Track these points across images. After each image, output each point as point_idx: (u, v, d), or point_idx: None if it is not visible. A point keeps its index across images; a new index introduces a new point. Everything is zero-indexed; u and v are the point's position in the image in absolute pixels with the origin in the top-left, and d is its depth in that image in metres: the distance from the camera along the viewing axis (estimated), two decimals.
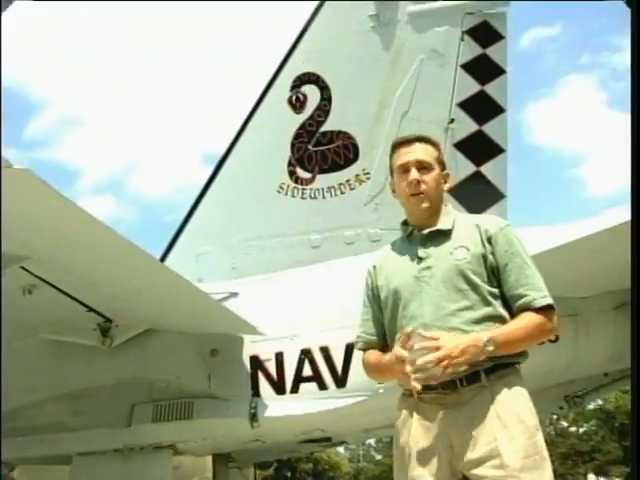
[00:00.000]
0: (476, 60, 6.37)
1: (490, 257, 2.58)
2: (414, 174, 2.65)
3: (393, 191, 2.82)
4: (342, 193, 6.12)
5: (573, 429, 33.65)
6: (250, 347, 5.13)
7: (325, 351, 4.98)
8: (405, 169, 2.67)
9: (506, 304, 2.57)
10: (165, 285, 4.61)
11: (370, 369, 2.73)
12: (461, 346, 2.38)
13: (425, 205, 2.66)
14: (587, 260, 4.48)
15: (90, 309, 4.83)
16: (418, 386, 2.39)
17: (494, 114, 6.30)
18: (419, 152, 2.69)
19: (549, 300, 2.53)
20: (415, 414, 2.54)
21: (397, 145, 2.76)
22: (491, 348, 2.40)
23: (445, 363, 2.37)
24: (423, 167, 2.67)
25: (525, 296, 2.52)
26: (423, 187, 2.65)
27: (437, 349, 2.38)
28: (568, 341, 4.96)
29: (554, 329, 2.57)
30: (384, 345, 2.70)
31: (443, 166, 2.77)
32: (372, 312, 2.76)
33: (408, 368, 2.40)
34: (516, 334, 2.46)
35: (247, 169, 6.34)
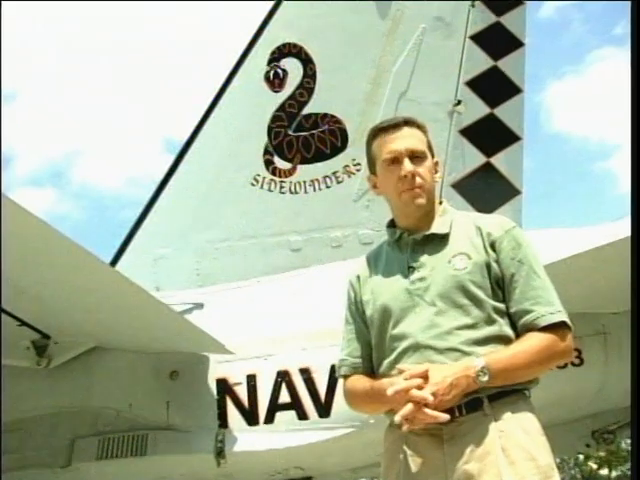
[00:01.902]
0: (489, 30, 6.43)
1: (494, 266, 2.59)
2: (408, 166, 2.64)
3: (374, 187, 2.82)
4: (328, 187, 6.13)
5: (604, 472, 33.57)
6: (217, 368, 5.12)
7: (306, 373, 4.99)
8: (395, 160, 2.67)
9: (514, 323, 2.58)
10: (115, 294, 4.58)
11: (355, 397, 2.72)
12: (449, 378, 2.38)
13: (421, 201, 2.67)
14: (618, 269, 4.50)
15: (22, 323, 4.79)
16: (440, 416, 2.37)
17: (509, 95, 6.36)
18: (410, 138, 2.68)
19: (561, 317, 2.52)
20: (405, 448, 2.54)
21: (380, 130, 2.73)
22: (484, 379, 2.39)
23: (435, 403, 2.35)
24: (416, 156, 2.67)
25: (530, 312, 2.52)
26: (419, 180, 2.65)
27: (420, 388, 2.37)
28: (596, 364, 4.99)
29: (566, 352, 2.55)
30: (371, 368, 2.70)
31: (432, 153, 2.78)
32: (357, 330, 2.76)
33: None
34: (517, 361, 2.45)
35: (215, 158, 6.35)
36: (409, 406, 2.35)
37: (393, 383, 2.43)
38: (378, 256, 2.81)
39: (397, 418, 2.38)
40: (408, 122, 2.73)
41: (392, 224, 2.81)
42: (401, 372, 2.45)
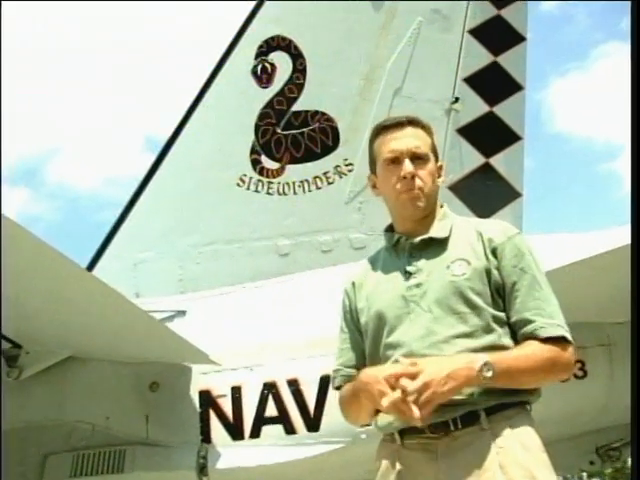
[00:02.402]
0: (488, 24, 6.46)
1: (495, 273, 2.59)
2: (408, 166, 2.65)
3: (373, 187, 2.84)
4: (318, 188, 6.15)
5: None
6: (200, 380, 5.11)
7: (294, 385, 4.98)
8: (395, 160, 2.68)
9: (514, 334, 2.58)
10: (92, 300, 4.55)
11: (347, 405, 2.72)
12: (447, 369, 2.34)
13: (420, 204, 2.67)
14: (623, 277, 4.51)
15: None
16: (417, 412, 2.29)
17: (509, 92, 6.40)
18: (413, 139, 2.70)
19: (561, 331, 2.52)
20: (398, 464, 2.53)
21: (382, 129, 2.76)
22: (489, 374, 2.36)
23: (428, 394, 2.30)
24: (418, 158, 2.68)
25: (530, 322, 2.53)
26: (419, 183, 2.66)
27: (415, 377, 2.33)
28: (600, 377, 5.01)
29: (567, 366, 2.56)
30: None
31: (437, 156, 2.79)
32: (351, 339, 2.77)
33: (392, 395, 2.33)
34: (520, 364, 2.45)
35: (199, 157, 6.34)
36: (397, 392, 2.31)
37: (375, 374, 2.42)
38: (375, 262, 2.82)
39: (385, 402, 2.32)
40: (412, 122, 2.75)
41: (391, 229, 2.82)
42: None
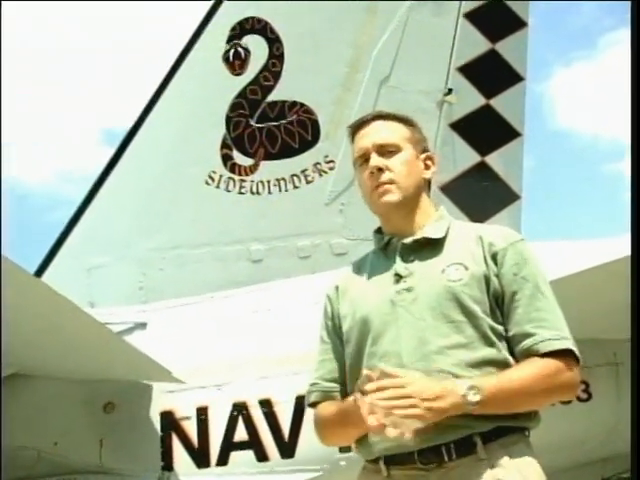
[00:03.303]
0: (486, 7, 6.49)
1: (494, 281, 2.59)
2: (373, 160, 2.68)
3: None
4: (295, 187, 6.15)
5: None
6: (162, 400, 5.10)
7: (267, 406, 4.98)
8: (365, 157, 2.72)
9: (512, 348, 2.57)
10: (40, 310, 4.51)
11: (325, 426, 2.70)
12: (437, 389, 2.32)
13: (391, 198, 2.67)
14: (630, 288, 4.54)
15: None
16: (394, 433, 2.26)
17: (508, 84, 6.43)
18: (381, 132, 2.73)
19: (566, 344, 2.52)
20: None
21: (354, 129, 2.81)
22: (475, 399, 2.34)
23: (414, 408, 2.26)
24: (388, 151, 2.71)
25: (531, 335, 2.52)
26: (387, 175, 2.67)
27: (402, 387, 2.30)
28: (607, 400, 5.04)
29: (571, 385, 2.55)
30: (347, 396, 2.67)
31: (422, 147, 2.81)
32: (333, 350, 2.75)
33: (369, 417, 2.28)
34: (513, 386, 2.42)
35: (163, 151, 6.34)
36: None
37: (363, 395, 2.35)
38: (362, 265, 2.81)
39: (372, 420, 2.27)
40: (380, 116, 2.79)
41: (380, 230, 2.82)
42: (370, 378, 2.37)
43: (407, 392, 2.28)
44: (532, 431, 2.58)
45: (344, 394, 2.68)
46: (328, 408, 2.68)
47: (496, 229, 2.77)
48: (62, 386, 5.21)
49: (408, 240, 2.68)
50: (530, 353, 2.50)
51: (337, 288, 2.81)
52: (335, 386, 2.71)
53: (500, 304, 2.58)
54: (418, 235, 2.68)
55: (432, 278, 2.59)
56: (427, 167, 2.79)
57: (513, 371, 2.47)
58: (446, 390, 2.33)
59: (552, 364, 2.48)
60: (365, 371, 2.42)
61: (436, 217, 2.76)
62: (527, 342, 2.51)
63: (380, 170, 2.65)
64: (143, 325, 5.45)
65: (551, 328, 2.53)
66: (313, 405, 2.75)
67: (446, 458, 2.42)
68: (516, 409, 2.47)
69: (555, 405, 2.61)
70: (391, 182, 2.66)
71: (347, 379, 2.68)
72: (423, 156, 2.78)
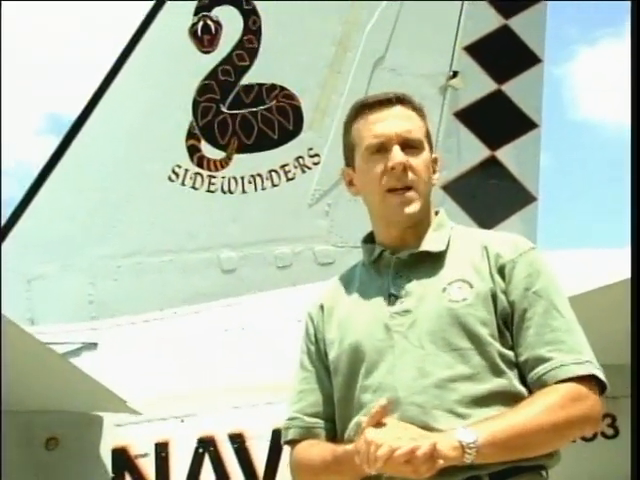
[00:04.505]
0: None
1: (502, 298, 2.59)
2: (398, 154, 2.64)
3: (350, 184, 2.83)
4: (274, 186, 6.15)
5: None
6: (114, 434, 5.06)
7: (238, 441, 4.96)
8: (382, 147, 2.67)
9: (524, 376, 2.57)
10: None
11: (308, 471, 2.68)
12: (433, 439, 2.31)
13: (414, 208, 2.66)
14: None
15: None
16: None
17: (523, 66, 6.45)
18: (405, 121, 2.70)
19: (589, 368, 2.51)
20: None
21: (364, 108, 2.76)
22: (471, 456, 2.33)
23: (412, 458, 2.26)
24: (410, 146, 2.68)
25: (546, 360, 2.52)
26: (412, 177, 2.65)
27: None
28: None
29: (593, 417, 2.53)
30: (333, 434, 2.68)
31: (431, 146, 2.79)
32: (316, 380, 2.75)
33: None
34: (521, 431, 2.40)
35: (117, 142, 6.30)
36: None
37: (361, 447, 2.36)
38: (350, 281, 2.80)
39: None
40: (403, 100, 2.74)
41: (371, 239, 2.80)
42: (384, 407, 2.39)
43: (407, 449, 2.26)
44: (550, 470, 2.57)
45: (329, 431, 2.69)
46: (310, 449, 2.67)
47: (504, 237, 2.77)
48: None
49: (404, 255, 2.67)
50: (545, 381, 2.50)
51: (322, 307, 2.80)
52: (318, 422, 2.71)
53: (509, 325, 2.58)
54: (416, 249, 2.68)
55: (432, 298, 2.59)
56: (434, 171, 2.78)
57: (523, 409, 2.45)
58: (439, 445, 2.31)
59: (570, 391, 2.47)
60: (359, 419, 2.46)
61: (435, 225, 2.76)
62: (541, 368, 2.51)
63: (405, 169, 2.63)
64: (93, 346, 5.42)
65: (570, 351, 2.52)
66: (291, 443, 2.74)
67: None
68: (525, 456, 2.46)
69: (576, 441, 2.59)
70: (415, 187, 2.65)
71: (336, 413, 2.67)
72: (433, 157, 2.77)
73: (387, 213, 2.70)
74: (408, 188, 2.64)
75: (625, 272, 4.20)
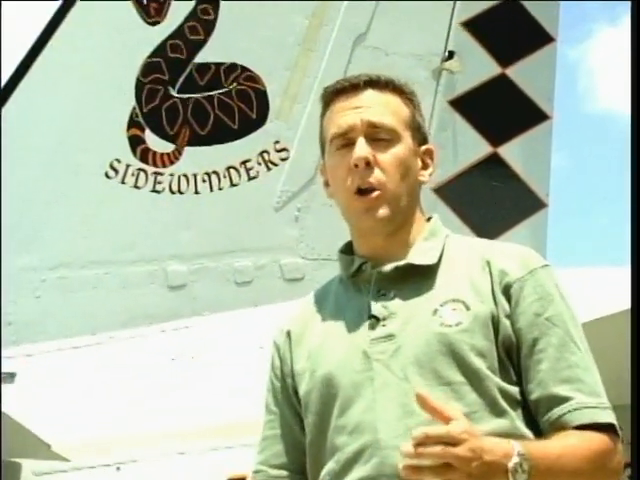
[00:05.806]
0: None
1: (506, 324, 2.57)
2: (361, 148, 2.61)
3: (327, 184, 2.79)
4: (233, 185, 6.16)
5: None
6: None
7: None
8: (346, 140, 2.66)
9: (531, 416, 2.56)
10: None
11: None
12: (488, 446, 2.29)
13: (382, 213, 2.62)
14: None
15: None
16: None
17: (533, 46, 6.48)
18: (375, 107, 2.68)
19: (611, 415, 2.51)
20: None
21: (332, 94, 2.74)
22: (523, 477, 2.33)
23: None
24: (380, 138, 2.65)
25: (567, 400, 2.50)
26: (377, 175, 2.61)
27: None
28: None
29: (617, 468, 2.54)
30: None
31: (422, 136, 2.74)
32: (281, 422, 2.74)
33: None
34: (565, 462, 2.42)
35: (43, 130, 6.28)
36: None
37: None
38: (323, 300, 2.78)
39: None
40: (378, 82, 2.71)
41: (349, 249, 2.76)
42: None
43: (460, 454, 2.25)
44: None
45: None
46: None
47: (511, 250, 2.74)
48: None
49: (387, 268, 2.63)
50: (566, 423, 2.48)
51: (288, 334, 2.77)
52: (284, 474, 2.70)
53: (513, 356, 2.58)
54: (402, 261, 2.64)
55: (420, 322, 2.56)
56: (425, 166, 2.73)
57: (561, 441, 2.46)
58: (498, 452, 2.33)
59: (600, 442, 2.48)
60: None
61: (426, 233, 2.72)
62: (560, 409, 2.49)
63: (368, 165, 2.60)
64: (11, 376, 5.39)
65: (590, 393, 2.52)
66: None
67: None
68: None
69: None
70: (380, 187, 2.61)
71: (307, 461, 2.66)
72: (422, 149, 2.71)
73: (355, 220, 2.69)
74: (374, 190, 2.62)
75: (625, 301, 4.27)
